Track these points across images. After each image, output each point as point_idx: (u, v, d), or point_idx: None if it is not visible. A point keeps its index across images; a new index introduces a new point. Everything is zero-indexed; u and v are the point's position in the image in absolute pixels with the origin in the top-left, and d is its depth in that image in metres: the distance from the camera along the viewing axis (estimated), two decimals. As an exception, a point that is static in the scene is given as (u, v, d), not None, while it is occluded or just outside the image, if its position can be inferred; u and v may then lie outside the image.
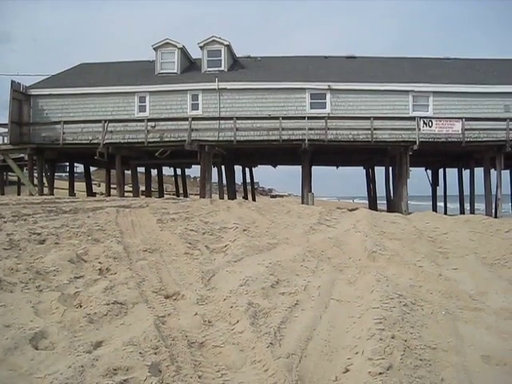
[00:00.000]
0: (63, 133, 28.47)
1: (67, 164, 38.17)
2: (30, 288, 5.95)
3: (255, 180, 45.28)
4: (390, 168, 31.25)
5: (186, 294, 6.28)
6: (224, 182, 33.78)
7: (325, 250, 9.83)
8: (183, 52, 31.89)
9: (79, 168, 45.64)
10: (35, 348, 4.39)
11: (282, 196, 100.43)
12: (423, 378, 4.13)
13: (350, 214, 17.65)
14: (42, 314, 5.22)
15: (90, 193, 35.08)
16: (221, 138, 27.89)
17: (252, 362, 4.46)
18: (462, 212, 32.09)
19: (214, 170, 30.95)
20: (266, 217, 15.08)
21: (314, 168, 33.22)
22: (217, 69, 30.88)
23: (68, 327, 4.94)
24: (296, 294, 6.62)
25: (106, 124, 27.97)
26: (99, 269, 7.25)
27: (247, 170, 40.37)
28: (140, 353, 4.29)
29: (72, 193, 32.74)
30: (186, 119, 27.80)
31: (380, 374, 4.01)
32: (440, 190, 37.34)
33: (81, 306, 5.58)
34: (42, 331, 4.68)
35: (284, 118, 27.27)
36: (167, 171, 43.64)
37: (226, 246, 9.73)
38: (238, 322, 5.33)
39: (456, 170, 34.85)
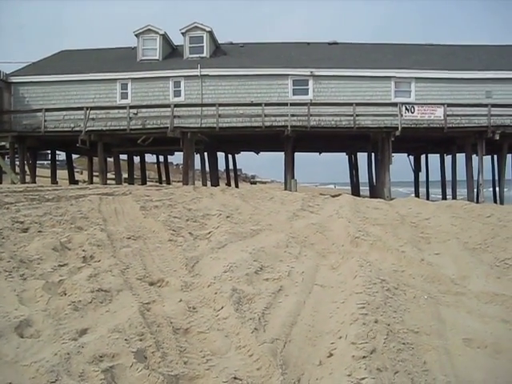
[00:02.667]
0: (45, 120, 28.24)
1: (49, 152, 37.86)
2: (14, 276, 5.93)
3: (238, 167, 45.34)
4: (373, 154, 31.40)
5: (170, 281, 6.30)
6: (207, 168, 33.74)
7: (308, 236, 9.87)
8: (165, 38, 31.73)
9: (61, 156, 45.42)
10: (20, 336, 4.39)
11: (264, 182, 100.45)
12: (406, 361, 4.18)
13: (332, 200, 17.69)
14: (26, 303, 5.21)
15: (73, 180, 34.82)
16: (203, 125, 27.84)
17: (237, 348, 4.50)
18: (444, 198, 32.37)
19: (197, 157, 30.85)
20: (249, 203, 15.10)
21: (296, 154, 33.26)
22: (199, 55, 30.78)
23: (53, 315, 4.94)
24: (280, 279, 6.66)
25: (87, 111, 27.76)
26: (83, 256, 7.24)
27: (230, 156, 40.36)
28: (125, 339, 4.31)
29: (54, 181, 32.51)
30: (168, 106, 27.69)
31: (363, 357, 4.06)
32: (422, 176, 37.57)
33: (65, 294, 5.58)
34: (26, 319, 4.68)
35: (267, 105, 27.23)
36: (150, 158, 43.55)
37: (209, 232, 9.73)
38: (222, 308, 5.36)
39: (438, 155, 35.09)
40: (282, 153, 29.00)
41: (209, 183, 32.76)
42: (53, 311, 5.04)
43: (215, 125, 27.32)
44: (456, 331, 5.09)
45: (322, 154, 39.53)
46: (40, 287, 5.58)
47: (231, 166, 41.39)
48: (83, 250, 7.50)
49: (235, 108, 27.81)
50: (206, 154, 33.08)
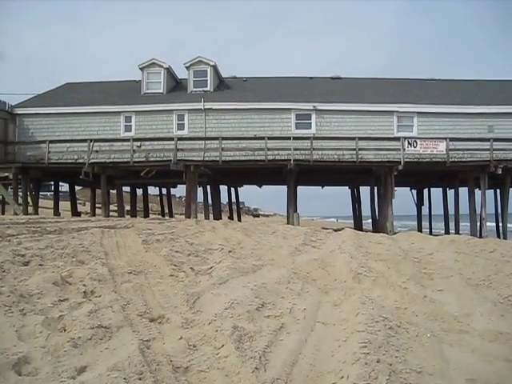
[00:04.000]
0: (48, 152, 28.41)
1: (52, 183, 38.00)
2: (13, 311, 5.88)
3: (241, 200, 45.33)
4: (375, 188, 31.47)
5: (170, 318, 6.25)
6: (209, 201, 33.74)
7: (310, 272, 9.81)
8: (169, 72, 32.04)
9: (64, 187, 45.52)
10: (18, 374, 4.34)
11: (267, 215, 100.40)
12: (408, 402, 4.13)
13: (335, 235, 17.62)
14: (25, 339, 5.16)
15: (75, 212, 34.87)
16: (206, 158, 27.93)
17: (237, 388, 4.45)
18: (447, 232, 32.25)
19: (200, 190, 30.98)
20: (251, 238, 15.05)
21: (299, 188, 33.30)
22: (203, 89, 31.07)
23: (52, 352, 4.89)
24: (281, 316, 6.60)
25: (91, 143, 27.93)
26: (84, 291, 7.19)
27: (233, 189, 40.44)
28: (124, 378, 4.26)
29: (57, 212, 32.57)
30: (171, 139, 27.86)
31: (365, 399, 4.00)
32: (425, 210, 37.58)
33: (65, 330, 5.53)
34: (25, 356, 4.63)
35: (270, 139, 27.37)
36: (153, 191, 43.68)
37: (211, 267, 9.67)
38: (223, 346, 5.31)
39: (441, 189, 35.15)
40: (285, 186, 29.10)
41: (211, 216, 32.73)
42: (52, 348, 4.99)
43: (218, 158, 27.43)
44: (459, 371, 5.02)
45: (325, 187, 39.68)
46: (39, 323, 5.53)
47: (234, 199, 41.51)
48: (84, 285, 7.45)
49: (238, 141, 27.94)
50: (208, 186, 33.11)
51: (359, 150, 26.96)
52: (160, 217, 35.30)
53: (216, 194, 35.12)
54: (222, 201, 40.71)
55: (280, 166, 27.43)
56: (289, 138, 27.49)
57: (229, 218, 36.99)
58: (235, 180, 37.41)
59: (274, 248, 13.10)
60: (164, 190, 42.16)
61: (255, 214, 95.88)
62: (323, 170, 29.22)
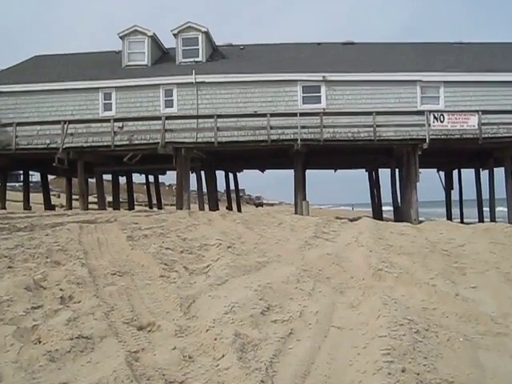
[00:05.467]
0: (16, 136, 28.36)
1: (21, 172, 38.00)
2: (-21, 322, 5.90)
3: (240, 187, 45.32)
4: (397, 170, 31.33)
5: (162, 325, 6.26)
6: (204, 189, 33.72)
7: (323, 269, 9.81)
8: (154, 41, 31.95)
9: (35, 177, 45.55)
10: (-13, 394, 4.36)
11: (271, 205, 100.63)
12: (439, 418, 4.13)
13: (351, 225, 17.63)
14: (-6, 353, 5.18)
15: (49, 205, 34.82)
16: (199, 140, 27.90)
17: (240, 404, 4.46)
18: (481, 219, 32.16)
19: (193, 177, 30.87)
20: (253, 230, 15.05)
21: (308, 172, 33.27)
22: (193, 59, 30.98)
23: (25, 367, 4.89)
24: (290, 321, 6.61)
25: (65, 125, 27.91)
26: (60, 297, 7.20)
27: (231, 175, 40.42)
28: (110, 396, 4.27)
29: (27, 206, 32.56)
30: (158, 118, 27.82)
31: (389, 414, 4.01)
32: (455, 194, 37.47)
33: (40, 342, 5.53)
34: (-6, 373, 4.65)
35: (272, 115, 27.32)
36: (138, 179, 43.65)
37: (207, 266, 9.69)
38: (223, 356, 5.31)
39: (473, 170, 34.95)
40: (292, 170, 29.04)
41: (206, 207, 32.74)
42: (25, 363, 5.00)
43: (213, 139, 27.40)
44: (498, 380, 5.02)
45: (338, 170, 39.61)
46: (10, 334, 5.53)
47: (232, 187, 41.49)
48: (61, 289, 7.46)
49: (236, 120, 27.88)
50: (202, 172, 33.01)
51: (377, 126, 26.89)
52: (147, 209, 35.28)
53: (211, 181, 35.10)
54: (218, 189, 40.74)
55: (285, 146, 27.42)
56: (295, 115, 27.42)
57: (227, 208, 37.05)
58: (233, 164, 37.41)
59: (281, 242, 13.11)
60: (151, 178, 42.19)
61: (258, 204, 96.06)
62: (335, 150, 29.18)
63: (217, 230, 14.69)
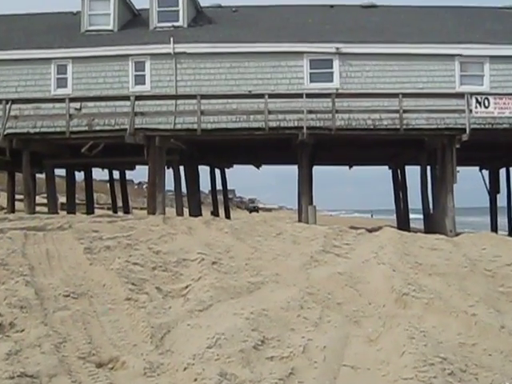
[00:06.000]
0: None
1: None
2: None
3: (230, 187, 45.36)
4: (428, 168, 31.34)
5: (127, 361, 6.27)
6: (183, 189, 33.70)
7: (333, 292, 9.84)
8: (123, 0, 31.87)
9: (-32, 171, 45.45)
10: None
11: (269, 210, 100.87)
12: None
13: (369, 237, 17.69)
14: None
15: (-15, 208, 34.89)
16: (178, 126, 27.86)
17: None
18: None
19: (169, 173, 30.85)
20: (245, 242, 15.09)
21: (316, 169, 33.28)
22: (172, 24, 30.85)
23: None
24: (291, 358, 6.62)
25: (7, 106, 27.79)
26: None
27: (217, 172, 40.37)
28: None
29: (-43, 208, 32.59)
30: (126, 98, 27.67)
31: None
32: (502, 199, 37.48)
33: (-28, 382, 5.55)
34: None
35: (272, 96, 27.18)
36: (99, 175, 43.53)
37: (186, 287, 9.72)
38: (205, 402, 5.33)
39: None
40: (295, 167, 29.01)
41: (186, 211, 32.73)
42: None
43: (196, 126, 27.26)
44: None
45: (354, 167, 39.62)
46: None
47: (219, 186, 41.45)
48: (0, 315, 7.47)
49: (225, 101, 27.80)
50: (182, 168, 32.97)
51: (404, 112, 26.78)
52: (110, 213, 35.23)
53: (193, 179, 35.06)
54: (202, 189, 40.75)
55: (287, 136, 27.36)
56: (300, 96, 27.31)
57: (212, 213, 37.04)
58: (221, 158, 37.33)
59: (280, 257, 13.15)
60: (116, 174, 42.11)
61: (252, 208, 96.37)
62: (351, 142, 29.19)
63: (199, 242, 14.72)
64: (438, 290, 9.91)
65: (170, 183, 30.95)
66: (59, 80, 29.28)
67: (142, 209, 41.68)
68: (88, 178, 38.63)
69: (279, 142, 28.41)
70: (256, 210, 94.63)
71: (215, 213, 38.13)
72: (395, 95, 26.89)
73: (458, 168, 27.45)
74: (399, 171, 37.99)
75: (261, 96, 27.14)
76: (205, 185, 40.75)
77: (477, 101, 26.77)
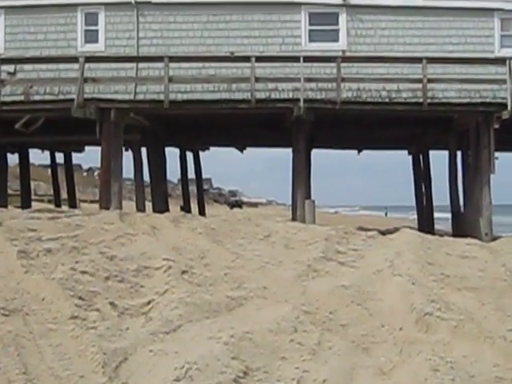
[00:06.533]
0: None
1: None
2: None
3: (205, 175, 45.42)
4: (459, 154, 31.38)
5: (73, 397, 6.28)
6: (146, 178, 33.69)
7: (336, 311, 9.87)
8: None
9: None
10: None
11: (255, 205, 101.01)
12: None
13: (382, 241, 17.73)
14: None
15: None
16: (140, 97, 27.86)
17: None
18: None
19: (128, 156, 30.84)
20: (225, 246, 15.11)
21: (315, 153, 33.31)
22: (133, -36, 30.87)
23: None
24: (282, 395, 6.65)
25: None
26: None
27: (190, 155, 40.36)
28: None
29: None
30: (74, 60, 27.60)
31: None
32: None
33: None
34: None
35: (260, 60, 27.15)
36: (38, 158, 43.52)
37: (149, 302, 9.72)
38: None
39: None
40: (289, 150, 29.01)
41: (149, 205, 32.73)
42: None
43: (162, 96, 27.24)
44: None
45: (363, 152, 39.68)
46: None
47: (192, 174, 41.44)
48: None
49: (201, 65, 27.79)
50: (144, 150, 32.95)
51: (429, 81, 26.80)
52: (52, 207, 35.21)
53: (158, 165, 35.00)
54: (169, 177, 40.74)
55: (280, 111, 27.35)
56: (297, 59, 27.20)
57: (182, 209, 37.01)
58: (194, 138, 37.29)
59: (268, 266, 13.17)
60: (60, 157, 42.09)
61: (233, 203, 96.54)
62: (360, 119, 29.24)
63: (165, 245, 14.73)
64: (469, 310, 9.95)
65: (128, 170, 30.96)
66: (-13, 36, 29.27)
67: (92, 202, 41.66)
68: (24, 161, 38.57)
69: (269, 119, 28.44)
70: (238, 204, 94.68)
71: (186, 208, 38.10)
72: (418, 60, 26.86)
73: (497, 154, 27.44)
74: (421, 157, 37.99)
75: (246, 59, 27.05)
76: (173, 172, 40.79)
77: (522, 68, 26.82)
